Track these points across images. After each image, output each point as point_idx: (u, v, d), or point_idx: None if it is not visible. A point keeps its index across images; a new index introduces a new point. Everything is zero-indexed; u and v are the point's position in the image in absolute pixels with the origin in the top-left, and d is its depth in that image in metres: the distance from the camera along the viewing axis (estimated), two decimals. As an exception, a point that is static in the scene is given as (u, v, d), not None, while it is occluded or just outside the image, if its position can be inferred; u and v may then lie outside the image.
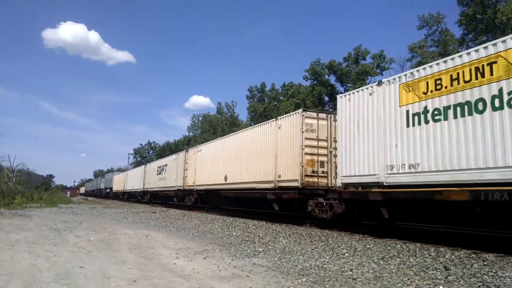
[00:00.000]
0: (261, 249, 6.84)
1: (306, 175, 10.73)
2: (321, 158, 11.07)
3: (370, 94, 8.71)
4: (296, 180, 10.85)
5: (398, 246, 6.95)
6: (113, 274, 4.54)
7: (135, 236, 8.41)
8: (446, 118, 6.89)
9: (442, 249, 6.50)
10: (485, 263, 5.35)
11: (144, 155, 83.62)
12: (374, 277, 4.69)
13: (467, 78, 6.59)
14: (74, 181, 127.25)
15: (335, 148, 10.79)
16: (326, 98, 40.84)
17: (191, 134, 69.63)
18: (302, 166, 10.71)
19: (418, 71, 7.65)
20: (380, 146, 8.24)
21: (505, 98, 5.99)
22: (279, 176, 11.80)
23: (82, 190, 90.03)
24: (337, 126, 9.62)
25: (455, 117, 6.73)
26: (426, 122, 7.26)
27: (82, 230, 9.16)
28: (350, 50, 39.13)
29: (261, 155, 13.11)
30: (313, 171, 10.87)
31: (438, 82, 7.11)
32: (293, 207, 11.99)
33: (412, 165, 7.45)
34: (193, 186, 19.89)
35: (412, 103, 7.63)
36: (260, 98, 49.07)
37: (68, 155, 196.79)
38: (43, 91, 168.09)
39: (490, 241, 7.10)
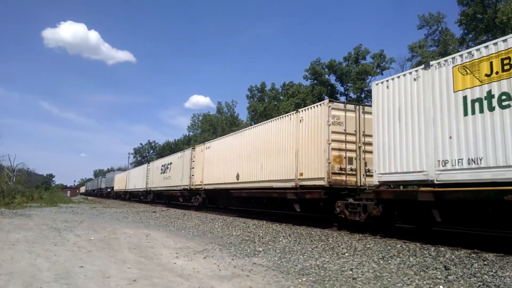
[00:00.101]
0: (261, 249, 6.83)
1: (333, 173, 9.72)
2: (349, 154, 10.02)
3: (415, 79, 7.66)
4: (321, 179, 9.89)
5: (398, 245, 6.95)
6: (113, 274, 4.54)
7: (135, 235, 8.41)
8: None
9: (442, 248, 6.51)
10: (485, 262, 5.35)
11: (144, 155, 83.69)
12: (374, 277, 4.69)
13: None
14: (74, 181, 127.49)
15: (365, 143, 10.07)
16: (326, 98, 40.85)
17: (191, 133, 69.74)
18: (329, 163, 9.70)
19: (478, 50, 6.64)
20: (429, 139, 7.19)
21: None
22: (301, 174, 10.81)
23: (83, 189, 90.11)
24: (372, 117, 8.67)
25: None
26: (491, 109, 6.23)
27: (82, 230, 9.17)
28: (350, 49, 39.15)
29: (279, 152, 12.10)
30: (340, 169, 9.84)
31: (506, 61, 6.11)
32: (317, 209, 10.81)
33: (472, 159, 6.43)
34: (200, 185, 18.94)
35: (471, 88, 6.59)
36: (260, 97, 49.11)
37: (68, 155, 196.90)
38: (43, 90, 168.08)
39: (490, 240, 7.10)
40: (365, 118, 10.29)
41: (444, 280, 4.48)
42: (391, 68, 37.82)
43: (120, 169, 56.24)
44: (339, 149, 9.93)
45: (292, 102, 37.49)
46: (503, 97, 6.10)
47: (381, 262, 5.58)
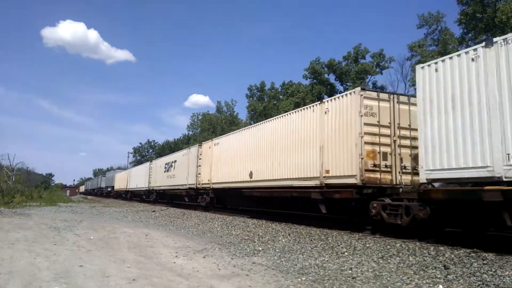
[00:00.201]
0: (260, 248, 6.84)
1: (366, 170, 8.75)
2: (383, 149, 9.03)
3: (473, 59, 6.65)
4: (353, 176, 8.93)
5: (398, 245, 6.96)
6: (112, 273, 4.54)
7: (134, 235, 8.41)
8: None
9: (442, 248, 6.51)
10: (485, 262, 5.36)
11: (144, 154, 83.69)
12: (374, 276, 4.69)
13: None
14: (74, 180, 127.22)
15: (400, 137, 9.18)
16: (326, 97, 40.89)
17: (190, 133, 69.72)
18: (362, 159, 8.73)
19: None
20: (495, 129, 6.19)
21: None
22: (327, 172, 9.78)
23: (82, 189, 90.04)
24: (417, 106, 7.73)
25: None
26: None
27: (81, 229, 9.16)
28: (349, 49, 39.16)
29: (300, 147, 11.02)
30: (374, 165, 8.85)
31: None
32: (345, 210, 9.94)
33: None
34: (208, 184, 17.71)
35: None
36: (260, 97, 49.09)
37: (67, 154, 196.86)
38: (43, 90, 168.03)
39: (489, 240, 7.10)
40: (400, 109, 9.35)
41: (443, 280, 4.49)
42: (391, 67, 37.90)
43: (120, 169, 56.02)
44: (373, 143, 8.94)
45: (292, 101, 37.51)
46: None
47: (381, 261, 5.59)
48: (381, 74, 37.59)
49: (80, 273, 4.51)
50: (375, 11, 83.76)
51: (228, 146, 16.26)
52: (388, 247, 6.75)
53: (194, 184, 19.39)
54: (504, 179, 6.00)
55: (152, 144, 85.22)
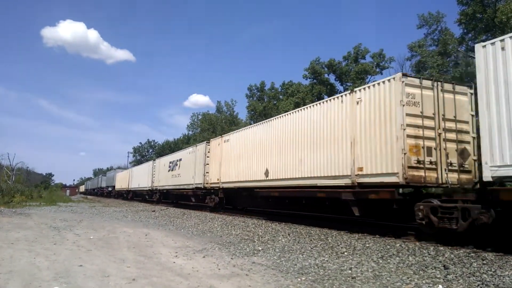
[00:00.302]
0: (260, 248, 6.84)
1: (409, 167, 7.71)
2: (427, 143, 8.01)
3: None
4: (394, 174, 7.88)
5: (397, 245, 6.96)
6: (112, 273, 4.54)
7: (134, 234, 8.41)
8: None
9: (441, 248, 6.52)
10: (484, 262, 5.36)
11: (144, 154, 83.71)
12: (373, 276, 4.69)
13: None
14: (74, 180, 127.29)
15: (445, 130, 8.16)
16: (326, 97, 40.91)
17: (190, 133, 69.73)
18: (405, 154, 7.71)
19: None
20: None
21: None
22: (360, 169, 8.77)
23: (82, 188, 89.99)
24: (478, 90, 6.73)
25: None
26: None
27: (81, 229, 9.16)
28: (349, 49, 39.15)
29: (326, 142, 9.98)
30: (418, 161, 7.82)
31: None
32: (382, 212, 8.97)
33: None
34: (217, 183, 16.72)
35: None
36: (260, 97, 49.07)
37: (67, 154, 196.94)
38: (42, 89, 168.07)
39: (489, 240, 7.10)
40: (444, 98, 8.33)
41: (443, 279, 4.49)
42: (391, 68, 37.86)
43: (120, 168, 55.82)
44: (416, 137, 7.95)
45: (292, 101, 37.47)
46: None
47: (380, 261, 5.59)
48: (381, 74, 37.54)
49: (80, 272, 4.52)
50: (375, 11, 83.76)
51: (240, 142, 15.18)
52: (388, 247, 6.75)
53: (201, 183, 18.39)
54: None
55: (152, 144, 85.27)
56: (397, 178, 7.80)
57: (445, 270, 4.92)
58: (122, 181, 40.44)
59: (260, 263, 5.47)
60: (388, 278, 4.57)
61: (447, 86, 8.52)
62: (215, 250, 6.62)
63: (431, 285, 4.26)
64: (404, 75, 8.25)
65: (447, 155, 8.11)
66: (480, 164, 7.64)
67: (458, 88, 8.51)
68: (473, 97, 8.37)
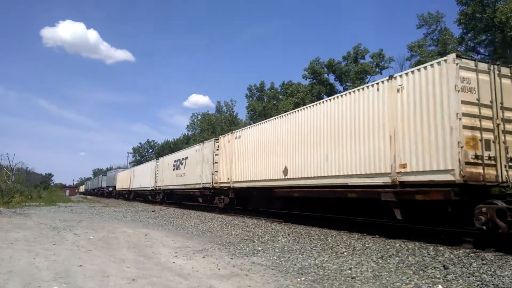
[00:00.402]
0: (260, 248, 6.84)
1: (467, 163, 6.65)
2: (485, 135, 6.97)
3: None
4: (448, 171, 6.79)
5: (397, 245, 6.96)
6: (112, 273, 4.54)
7: (134, 234, 8.41)
8: None
9: (441, 248, 6.52)
10: (484, 262, 5.36)
11: (144, 154, 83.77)
12: (373, 276, 4.70)
13: None
14: (73, 180, 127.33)
15: (504, 120, 7.16)
16: (325, 97, 40.94)
17: (190, 133, 69.76)
18: (461, 148, 6.64)
19: None
20: None
21: None
22: (403, 166, 7.74)
23: (82, 188, 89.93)
24: None
25: None
26: None
27: (81, 229, 9.16)
28: (349, 49, 39.20)
29: (358, 135, 8.95)
30: (476, 156, 6.77)
31: None
32: (431, 215, 8.06)
33: None
34: (228, 183, 15.68)
35: None
36: (259, 97, 49.11)
37: (67, 154, 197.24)
38: (42, 89, 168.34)
39: (489, 240, 7.10)
40: (502, 84, 7.31)
41: (443, 280, 4.49)
42: (390, 67, 37.88)
43: (119, 168, 55.62)
44: (472, 128, 6.90)
45: (291, 101, 37.51)
46: None
47: (380, 261, 5.59)
48: (381, 74, 37.57)
49: (80, 273, 4.51)
50: (375, 11, 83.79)
51: (254, 139, 14.04)
52: (388, 247, 6.75)
53: (209, 183, 17.31)
54: None
55: (152, 144, 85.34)
56: (452, 176, 6.72)
57: (445, 270, 4.92)
58: (123, 181, 39.57)
59: (259, 263, 5.47)
60: (387, 278, 4.57)
61: (505, 71, 7.49)
62: (214, 250, 6.62)
63: (430, 285, 4.26)
64: (458, 56, 7.17)
65: (506, 149, 7.14)
66: None
67: None
68: None
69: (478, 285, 4.24)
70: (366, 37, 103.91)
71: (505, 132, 7.18)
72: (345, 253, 6.30)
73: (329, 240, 7.68)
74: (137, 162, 72.72)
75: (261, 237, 8.29)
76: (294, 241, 7.72)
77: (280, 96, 45.08)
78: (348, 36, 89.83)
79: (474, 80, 7.10)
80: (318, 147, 10.29)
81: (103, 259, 5.41)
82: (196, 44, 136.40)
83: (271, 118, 13.63)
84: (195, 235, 8.89)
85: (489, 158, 6.94)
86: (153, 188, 27.60)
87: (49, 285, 3.95)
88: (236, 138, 15.61)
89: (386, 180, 8.10)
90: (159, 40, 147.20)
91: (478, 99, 7.05)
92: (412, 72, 7.78)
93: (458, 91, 6.84)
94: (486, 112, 7.10)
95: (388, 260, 5.63)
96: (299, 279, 4.51)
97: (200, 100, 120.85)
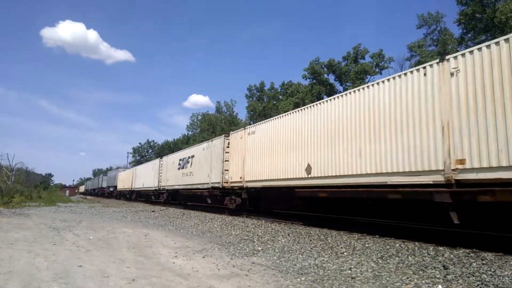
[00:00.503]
0: (260, 248, 6.84)
1: None
2: None
3: None
4: None
5: (397, 245, 6.96)
6: (112, 273, 4.53)
7: (134, 235, 8.41)
8: None
9: (441, 248, 6.51)
10: (484, 262, 5.36)
11: (143, 154, 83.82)
12: (373, 276, 4.69)
13: None
14: (73, 180, 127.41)
15: None
16: (325, 98, 40.96)
17: (190, 133, 69.81)
18: None
19: None
20: None
21: None
22: (461, 162, 6.63)
23: (82, 189, 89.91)
24: None
25: None
26: None
27: (81, 229, 9.15)
28: (349, 49, 39.26)
29: (400, 127, 7.84)
30: None
31: None
32: (498, 219, 6.86)
33: None
34: (240, 182, 14.56)
35: None
36: (259, 97, 49.16)
37: (67, 154, 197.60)
38: (42, 89, 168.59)
39: (489, 240, 7.10)
40: None
41: (442, 280, 4.49)
42: (390, 68, 37.94)
43: (119, 168, 55.51)
44: None
45: (291, 101, 37.56)
46: None
47: (380, 261, 5.59)
48: (381, 74, 37.65)
49: (80, 273, 4.51)
50: (375, 11, 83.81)
51: (270, 134, 12.91)
52: (388, 247, 6.75)
53: (219, 182, 16.21)
54: None
55: (152, 144, 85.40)
56: None
57: (445, 270, 4.92)
58: (124, 181, 38.60)
59: (259, 263, 5.47)
60: (387, 278, 4.57)
61: None
62: (214, 250, 6.62)
63: (430, 285, 4.26)
64: None
65: None
66: None
67: None
68: None
69: (478, 285, 4.24)
70: (366, 37, 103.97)
71: None
72: (345, 253, 6.29)
73: (329, 240, 7.68)
74: (137, 162, 72.78)
75: (261, 237, 8.28)
76: (294, 241, 7.72)
77: (280, 96, 45.13)
78: (348, 36, 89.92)
79: None
80: (349, 142, 9.19)
81: (103, 259, 5.41)
82: (196, 44, 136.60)
83: (290, 112, 12.47)
84: (195, 235, 8.89)
85: None
86: (157, 188, 26.65)
87: (49, 285, 3.95)
88: (249, 134, 14.41)
89: (438, 178, 7.01)
90: (159, 40, 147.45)
91: None
92: (470, 52, 6.73)
93: None
94: None
95: (388, 260, 5.63)
96: (299, 279, 4.51)
97: (200, 100, 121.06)
